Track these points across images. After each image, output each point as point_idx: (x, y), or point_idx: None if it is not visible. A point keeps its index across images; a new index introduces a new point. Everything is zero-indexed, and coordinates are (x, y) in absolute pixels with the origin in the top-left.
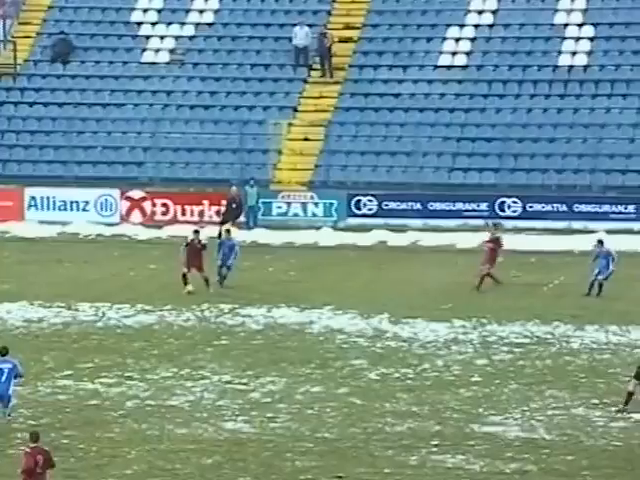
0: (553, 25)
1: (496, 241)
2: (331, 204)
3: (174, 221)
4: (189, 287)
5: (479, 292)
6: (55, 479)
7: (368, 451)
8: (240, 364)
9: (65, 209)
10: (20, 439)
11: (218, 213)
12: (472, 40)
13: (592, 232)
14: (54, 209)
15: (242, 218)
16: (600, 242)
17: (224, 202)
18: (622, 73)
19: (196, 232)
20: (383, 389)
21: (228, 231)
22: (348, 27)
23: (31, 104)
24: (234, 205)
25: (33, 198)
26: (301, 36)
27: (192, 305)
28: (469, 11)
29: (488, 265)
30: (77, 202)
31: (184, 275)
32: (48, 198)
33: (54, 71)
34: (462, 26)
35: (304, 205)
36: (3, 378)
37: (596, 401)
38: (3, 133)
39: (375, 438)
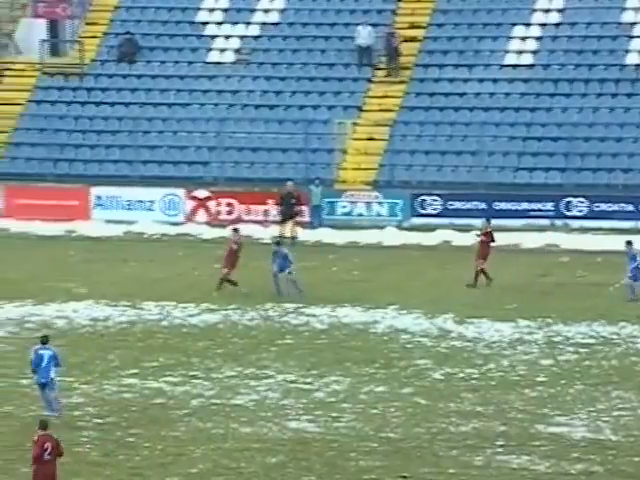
0: (620, 24)
1: (488, 235)
2: (396, 204)
3: (239, 220)
4: (223, 287)
5: (476, 288)
6: (121, 477)
7: (432, 451)
8: (304, 363)
9: (131, 208)
10: (87, 437)
11: (286, 212)
12: (538, 39)
13: None
14: (120, 208)
15: (306, 217)
16: (629, 243)
17: (279, 199)
18: None
19: (235, 230)
20: (447, 389)
21: (278, 243)
22: (413, 26)
23: (97, 104)
24: (292, 201)
25: (99, 197)
26: (364, 35)
27: (256, 304)
28: (535, 10)
29: (482, 260)
30: (143, 201)
31: (227, 276)
32: (114, 197)
33: (120, 71)
34: (528, 25)
35: (368, 205)
36: (44, 363)
37: None
38: (70, 133)
39: (439, 438)
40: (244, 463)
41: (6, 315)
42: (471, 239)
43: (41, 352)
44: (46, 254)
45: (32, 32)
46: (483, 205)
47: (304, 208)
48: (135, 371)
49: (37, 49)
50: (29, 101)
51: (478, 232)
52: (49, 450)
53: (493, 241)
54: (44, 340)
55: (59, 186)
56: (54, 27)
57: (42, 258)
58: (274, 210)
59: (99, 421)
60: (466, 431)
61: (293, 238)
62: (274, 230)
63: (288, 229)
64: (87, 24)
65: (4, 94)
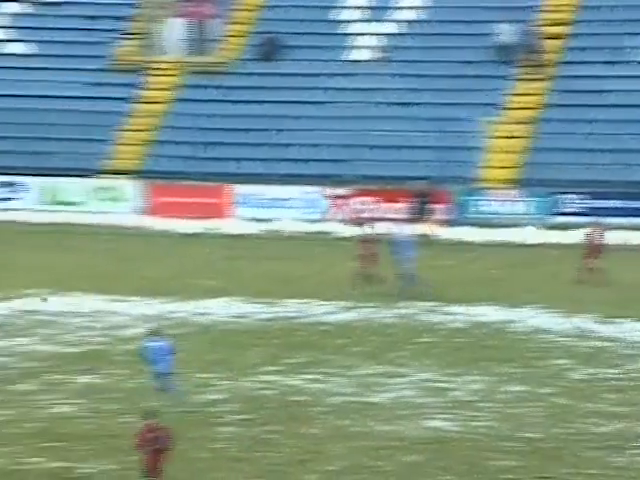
0: None
1: (596, 236)
2: (536, 202)
3: (377, 219)
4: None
5: (606, 286)
6: (259, 473)
7: (572, 451)
8: (441, 362)
9: (270, 206)
10: (225, 433)
11: (419, 210)
12: None
13: None
14: (260, 206)
15: (446, 215)
16: None
17: (413, 198)
18: None
19: (367, 227)
20: (588, 389)
21: (385, 233)
22: (557, 23)
23: (240, 102)
24: (424, 200)
25: (239, 195)
26: (506, 32)
27: (393, 302)
28: None
29: (592, 259)
30: (282, 200)
31: (364, 274)
32: (254, 195)
33: (263, 69)
34: None
35: (509, 203)
36: (155, 355)
37: None
38: (213, 131)
39: (580, 439)
40: (382, 461)
41: (147, 312)
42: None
43: (149, 344)
44: (188, 251)
45: (176, 31)
46: (624, 204)
47: (443, 206)
48: (273, 368)
49: (181, 48)
50: (173, 100)
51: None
52: (154, 440)
53: (595, 240)
54: (154, 332)
55: (201, 184)
56: (198, 26)
57: (184, 255)
58: (408, 209)
59: (237, 417)
60: (607, 432)
61: (427, 236)
62: (408, 228)
63: (422, 227)
64: (231, 23)
65: (149, 93)
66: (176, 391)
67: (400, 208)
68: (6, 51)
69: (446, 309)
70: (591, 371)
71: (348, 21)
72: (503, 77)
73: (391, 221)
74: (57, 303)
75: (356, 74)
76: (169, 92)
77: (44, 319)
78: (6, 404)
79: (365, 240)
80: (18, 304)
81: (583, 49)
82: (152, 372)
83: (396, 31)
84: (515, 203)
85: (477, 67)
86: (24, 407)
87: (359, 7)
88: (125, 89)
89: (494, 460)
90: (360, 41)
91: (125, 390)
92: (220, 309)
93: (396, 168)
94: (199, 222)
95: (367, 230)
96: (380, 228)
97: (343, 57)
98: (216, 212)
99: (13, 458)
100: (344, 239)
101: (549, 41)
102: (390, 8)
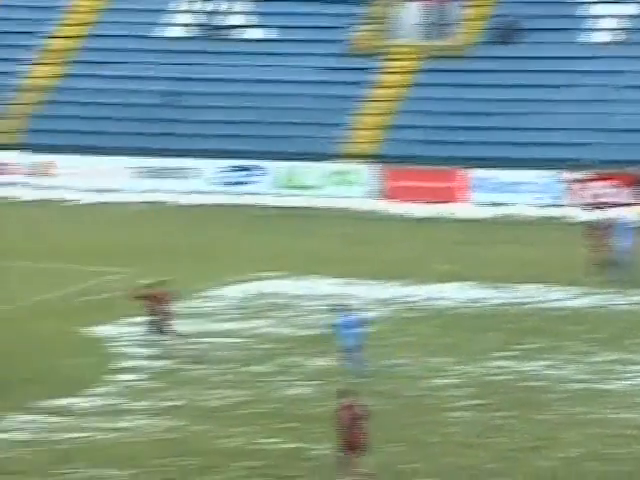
0: None
1: None
2: None
3: (617, 204)
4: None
5: None
6: (490, 459)
7: None
8: None
9: (504, 191)
10: (456, 418)
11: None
12: None
13: None
14: (495, 191)
15: None
16: None
17: (636, 184)
18: None
19: (602, 212)
20: None
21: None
22: None
23: (476, 86)
24: None
25: (474, 179)
26: None
27: (630, 288)
28: None
29: None
30: (516, 184)
31: (598, 260)
32: (488, 180)
33: (500, 53)
34: None
35: None
36: (346, 330)
37: None
38: (449, 115)
39: None
40: (618, 449)
41: (381, 295)
42: None
43: (341, 320)
44: (422, 235)
45: (414, 15)
46: None
47: None
48: (506, 353)
49: (419, 32)
50: (410, 84)
51: None
52: (354, 416)
53: None
54: (343, 309)
55: (437, 168)
56: (436, 10)
57: (418, 239)
58: (633, 193)
59: (469, 402)
60: None
61: None
62: (632, 214)
63: None
64: (468, 7)
65: (386, 77)
66: (365, 366)
67: (630, 193)
68: (245, 37)
69: None
70: None
71: (588, 2)
72: None
73: (622, 206)
74: (292, 286)
75: (595, 57)
76: (406, 76)
77: (280, 302)
78: (242, 385)
79: (598, 226)
80: (254, 287)
81: None
82: (341, 348)
83: (638, 12)
84: None
85: None
86: (259, 388)
87: None
88: (362, 73)
89: None
90: (600, 23)
91: (357, 373)
92: (453, 293)
93: (636, 152)
94: (433, 206)
95: (601, 215)
96: (613, 213)
97: (582, 39)
98: (450, 196)
99: (250, 438)
100: (579, 224)
101: None
102: None
